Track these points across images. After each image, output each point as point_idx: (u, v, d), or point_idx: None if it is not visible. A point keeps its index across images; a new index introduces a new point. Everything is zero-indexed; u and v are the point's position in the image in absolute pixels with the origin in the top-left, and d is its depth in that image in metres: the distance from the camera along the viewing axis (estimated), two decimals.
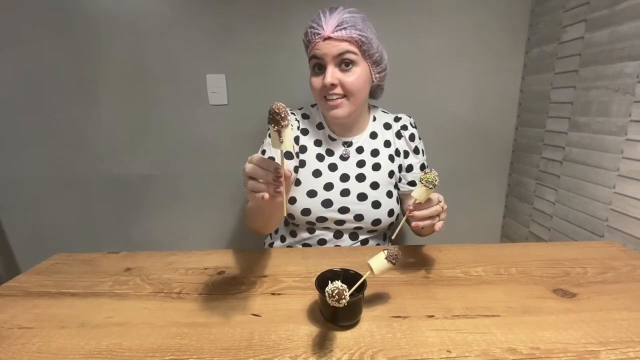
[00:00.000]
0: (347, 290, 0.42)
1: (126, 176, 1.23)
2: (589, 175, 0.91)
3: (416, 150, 0.83)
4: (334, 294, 0.41)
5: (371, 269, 0.48)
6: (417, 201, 0.57)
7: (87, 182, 1.22)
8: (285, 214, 0.48)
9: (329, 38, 0.68)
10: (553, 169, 1.05)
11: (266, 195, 0.46)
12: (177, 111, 1.17)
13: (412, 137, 0.83)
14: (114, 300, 0.57)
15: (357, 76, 0.71)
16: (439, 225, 0.60)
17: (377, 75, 0.75)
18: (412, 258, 0.70)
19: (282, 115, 0.41)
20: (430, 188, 0.56)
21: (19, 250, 1.29)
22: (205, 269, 0.67)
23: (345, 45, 0.69)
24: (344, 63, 0.70)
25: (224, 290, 0.59)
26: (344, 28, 0.68)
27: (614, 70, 0.83)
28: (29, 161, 1.19)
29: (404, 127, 0.83)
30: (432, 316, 0.51)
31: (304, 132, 0.82)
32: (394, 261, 0.48)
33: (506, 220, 1.32)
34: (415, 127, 0.85)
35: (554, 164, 1.04)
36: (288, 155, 0.78)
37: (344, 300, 0.41)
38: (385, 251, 0.49)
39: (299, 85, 1.15)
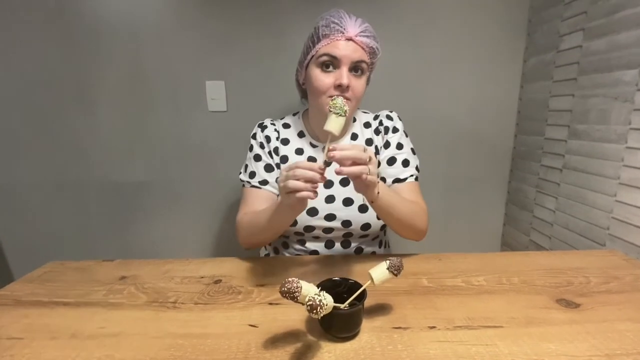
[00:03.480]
0: (325, 300, 0.41)
1: (124, 183, 1.22)
2: (590, 183, 0.91)
3: (387, 145, 0.79)
4: (308, 305, 0.40)
5: (372, 279, 0.47)
6: (332, 133, 0.55)
7: (84, 189, 1.21)
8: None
9: (351, 40, 0.68)
10: (553, 177, 1.04)
11: (312, 195, 0.54)
12: (176, 117, 1.17)
13: (386, 130, 0.80)
14: (107, 310, 0.55)
15: (363, 83, 0.72)
16: (370, 178, 0.56)
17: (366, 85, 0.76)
18: (412, 267, 0.69)
19: (294, 292, 0.41)
20: (341, 115, 0.54)
21: (13, 258, 1.27)
22: (202, 277, 0.66)
23: (363, 54, 0.69)
24: (355, 69, 0.70)
25: (220, 300, 0.58)
26: (367, 36, 0.69)
27: (613, 79, 0.84)
28: (25, 167, 1.18)
29: (381, 123, 0.82)
30: (434, 327, 0.50)
31: (285, 142, 0.81)
32: (395, 272, 0.47)
33: (506, 228, 1.31)
34: (391, 119, 0.82)
35: (554, 172, 1.04)
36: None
37: (317, 314, 0.40)
38: (388, 261, 0.48)
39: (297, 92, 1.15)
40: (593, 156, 0.90)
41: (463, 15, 1.13)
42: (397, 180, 0.77)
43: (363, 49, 0.69)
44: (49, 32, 1.08)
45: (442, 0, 1.12)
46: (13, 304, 0.57)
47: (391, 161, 0.78)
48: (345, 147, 0.55)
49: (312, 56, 0.71)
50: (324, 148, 0.59)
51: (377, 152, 0.81)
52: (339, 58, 0.68)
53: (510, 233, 1.28)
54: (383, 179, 0.79)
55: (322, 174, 0.54)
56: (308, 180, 0.53)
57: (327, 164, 0.77)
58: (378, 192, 0.62)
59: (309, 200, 0.74)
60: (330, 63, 0.69)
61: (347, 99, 0.70)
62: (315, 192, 0.54)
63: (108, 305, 0.56)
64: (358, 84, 0.70)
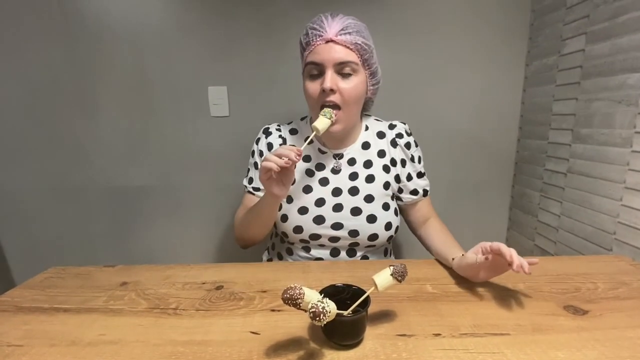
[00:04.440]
0: (328, 307, 0.40)
1: (125, 188, 1.22)
2: (595, 188, 0.90)
3: (413, 159, 0.80)
4: (311, 312, 0.39)
5: (375, 285, 0.46)
6: (316, 129, 0.64)
7: (86, 194, 1.21)
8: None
9: (332, 41, 0.65)
10: (557, 181, 1.03)
11: (273, 166, 0.59)
12: (179, 123, 1.17)
13: (408, 145, 0.80)
14: (108, 317, 0.55)
15: (355, 85, 0.68)
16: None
17: (372, 88, 0.73)
18: (416, 272, 0.68)
19: (297, 299, 0.40)
20: (327, 117, 0.64)
21: (15, 263, 1.27)
22: (203, 283, 0.65)
23: (348, 53, 0.66)
24: (343, 71, 0.67)
25: (221, 306, 0.57)
26: (349, 33, 0.66)
27: (617, 82, 0.83)
28: (27, 172, 1.18)
29: (399, 135, 0.80)
30: (439, 334, 0.49)
31: None
32: (400, 278, 0.46)
33: (510, 233, 1.30)
34: (410, 135, 0.81)
35: (558, 176, 1.03)
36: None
37: (320, 321, 0.39)
38: (391, 267, 0.47)
39: (300, 97, 1.15)
40: (598, 160, 0.89)
41: (465, 19, 1.13)
42: (426, 192, 0.82)
43: (347, 47, 0.66)
44: (51, 37, 1.09)
45: (444, 5, 1.12)
46: (13, 310, 0.57)
47: (420, 175, 0.82)
48: (513, 251, 0.53)
49: (303, 68, 0.71)
50: (303, 146, 0.65)
51: (393, 164, 0.79)
52: (320, 63, 0.66)
53: (515, 238, 1.27)
54: (415, 191, 0.81)
55: (298, 154, 0.60)
56: (285, 157, 0.59)
57: (336, 171, 0.77)
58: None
59: (316, 208, 0.75)
60: (317, 70, 0.68)
61: (336, 105, 0.67)
62: (279, 168, 0.59)
63: (108, 312, 0.56)
64: (348, 86, 0.67)
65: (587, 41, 0.91)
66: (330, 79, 0.66)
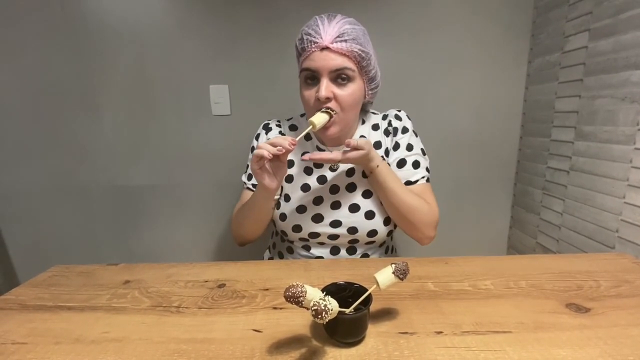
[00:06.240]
0: (330, 305, 0.40)
1: (128, 187, 1.22)
2: (598, 185, 0.89)
3: (396, 146, 0.77)
4: (313, 310, 0.39)
5: (377, 283, 0.47)
6: (312, 123, 0.64)
7: (89, 193, 1.22)
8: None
9: (327, 48, 0.64)
10: (560, 179, 1.03)
11: (265, 153, 0.60)
12: (180, 122, 1.18)
13: (395, 131, 0.77)
14: (111, 315, 0.55)
15: (352, 92, 0.67)
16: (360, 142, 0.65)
17: (370, 92, 0.72)
18: (418, 270, 0.68)
19: (299, 297, 0.40)
20: (325, 113, 0.65)
21: (18, 262, 1.28)
22: (206, 281, 0.65)
23: (344, 61, 0.64)
24: (339, 78, 0.66)
25: (224, 304, 0.57)
26: (345, 40, 0.63)
27: (620, 79, 0.83)
28: (30, 172, 1.19)
29: (390, 123, 0.78)
30: (441, 332, 0.49)
31: None
32: (401, 276, 0.46)
33: (512, 231, 1.30)
34: (400, 119, 0.79)
35: (561, 174, 1.03)
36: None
37: (322, 319, 0.39)
38: (393, 265, 0.47)
39: None
40: (601, 158, 0.88)
41: (467, 17, 1.12)
42: (408, 183, 0.76)
43: (343, 54, 0.64)
44: (54, 37, 1.09)
45: (446, 3, 1.11)
46: (18, 309, 0.57)
47: (401, 163, 0.76)
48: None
49: (299, 73, 0.70)
50: (298, 137, 0.66)
51: (387, 154, 0.78)
52: (315, 70, 0.65)
53: (517, 236, 1.27)
54: None
55: (292, 143, 0.61)
56: (278, 145, 0.60)
57: (333, 169, 0.77)
58: (378, 166, 0.68)
59: (314, 207, 0.75)
60: (313, 77, 0.67)
61: (333, 112, 0.67)
62: (271, 155, 0.60)
63: (112, 310, 0.56)
64: (344, 93, 0.66)
65: (590, 38, 0.91)
66: (326, 87, 0.65)
